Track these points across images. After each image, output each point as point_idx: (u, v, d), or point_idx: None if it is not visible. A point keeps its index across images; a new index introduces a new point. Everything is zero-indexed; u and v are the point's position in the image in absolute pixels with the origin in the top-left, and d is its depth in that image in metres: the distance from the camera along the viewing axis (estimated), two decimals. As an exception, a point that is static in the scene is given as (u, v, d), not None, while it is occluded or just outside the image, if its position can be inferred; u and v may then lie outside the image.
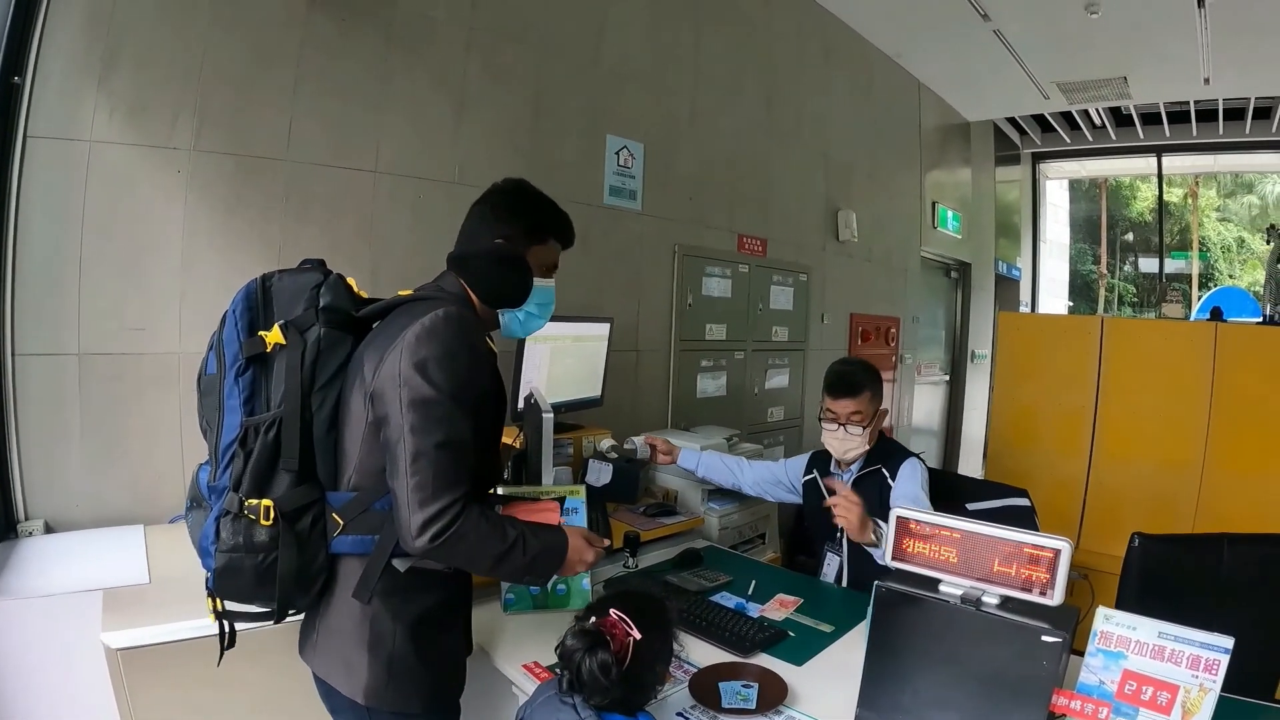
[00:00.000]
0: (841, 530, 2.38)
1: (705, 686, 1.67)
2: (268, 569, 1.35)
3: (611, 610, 1.38)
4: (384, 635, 1.44)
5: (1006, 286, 8.73)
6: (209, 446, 1.43)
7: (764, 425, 4.78)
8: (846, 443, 2.41)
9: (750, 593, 2.29)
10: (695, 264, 4.13)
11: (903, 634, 1.49)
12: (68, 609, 1.79)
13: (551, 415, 2.20)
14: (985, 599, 1.40)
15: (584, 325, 3.22)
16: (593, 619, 1.39)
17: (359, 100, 2.74)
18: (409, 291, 1.54)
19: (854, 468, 2.48)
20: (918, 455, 2.47)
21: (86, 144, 2.21)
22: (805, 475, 2.66)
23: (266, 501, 1.35)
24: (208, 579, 1.38)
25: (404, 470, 1.33)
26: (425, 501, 1.32)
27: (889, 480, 2.37)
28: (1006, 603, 1.39)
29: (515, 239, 1.59)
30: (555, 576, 1.98)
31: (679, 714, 1.59)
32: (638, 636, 1.35)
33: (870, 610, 1.53)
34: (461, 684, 1.61)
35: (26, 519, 2.16)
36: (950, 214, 6.94)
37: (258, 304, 1.44)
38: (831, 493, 2.25)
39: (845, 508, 2.13)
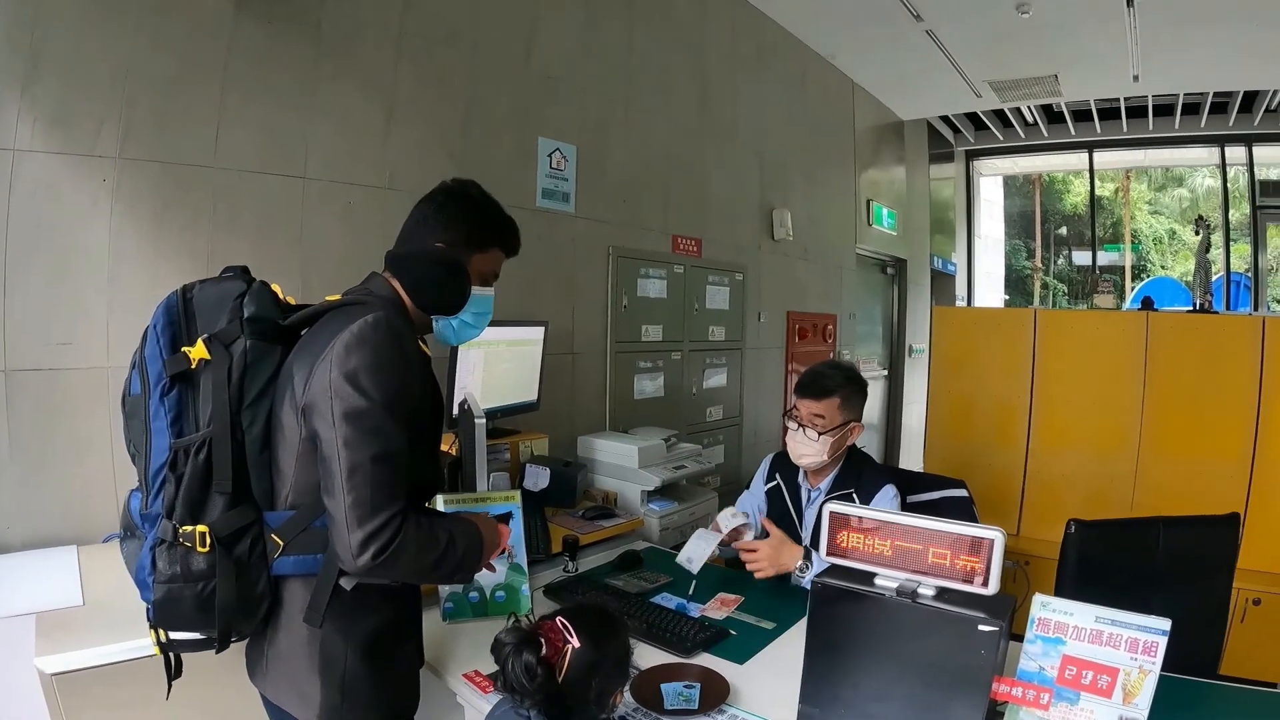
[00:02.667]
0: (812, 543, 2.34)
1: (647, 689, 1.66)
2: (208, 597, 1.31)
3: (558, 616, 1.37)
4: (335, 658, 1.40)
5: (942, 282, 8.98)
6: (138, 472, 1.38)
7: (703, 425, 4.87)
8: (801, 446, 2.34)
9: (691, 593, 2.28)
10: (630, 265, 4.19)
11: (841, 629, 1.50)
12: (1, 635, 1.75)
13: (484, 421, 2.25)
14: (921, 591, 1.42)
15: (518, 329, 3.24)
16: (541, 622, 1.38)
17: (288, 106, 2.74)
18: (336, 296, 1.49)
19: (823, 486, 2.41)
20: (893, 480, 2.40)
21: (10, 153, 2.18)
22: (768, 482, 2.59)
23: (202, 528, 1.30)
24: (148, 610, 1.34)
25: (340, 486, 1.28)
26: (364, 518, 1.27)
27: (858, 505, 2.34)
28: (943, 594, 1.41)
29: (456, 245, 1.55)
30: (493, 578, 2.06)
31: (622, 718, 1.58)
32: (575, 645, 1.33)
33: (808, 606, 1.54)
34: (416, 699, 1.59)
35: (-44, 542, 2.13)
36: (885, 211, 7.14)
37: (179, 318, 1.38)
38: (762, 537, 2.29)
39: (756, 564, 2.23)
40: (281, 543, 1.38)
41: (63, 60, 2.26)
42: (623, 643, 1.43)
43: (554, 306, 3.73)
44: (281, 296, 1.48)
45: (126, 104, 2.38)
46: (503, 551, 1.71)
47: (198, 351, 1.34)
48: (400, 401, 1.36)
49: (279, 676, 1.45)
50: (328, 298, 1.49)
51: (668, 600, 2.25)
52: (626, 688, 1.49)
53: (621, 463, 3.29)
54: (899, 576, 1.46)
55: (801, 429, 2.34)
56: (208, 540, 1.30)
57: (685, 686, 1.69)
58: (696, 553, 2.31)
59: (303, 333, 1.47)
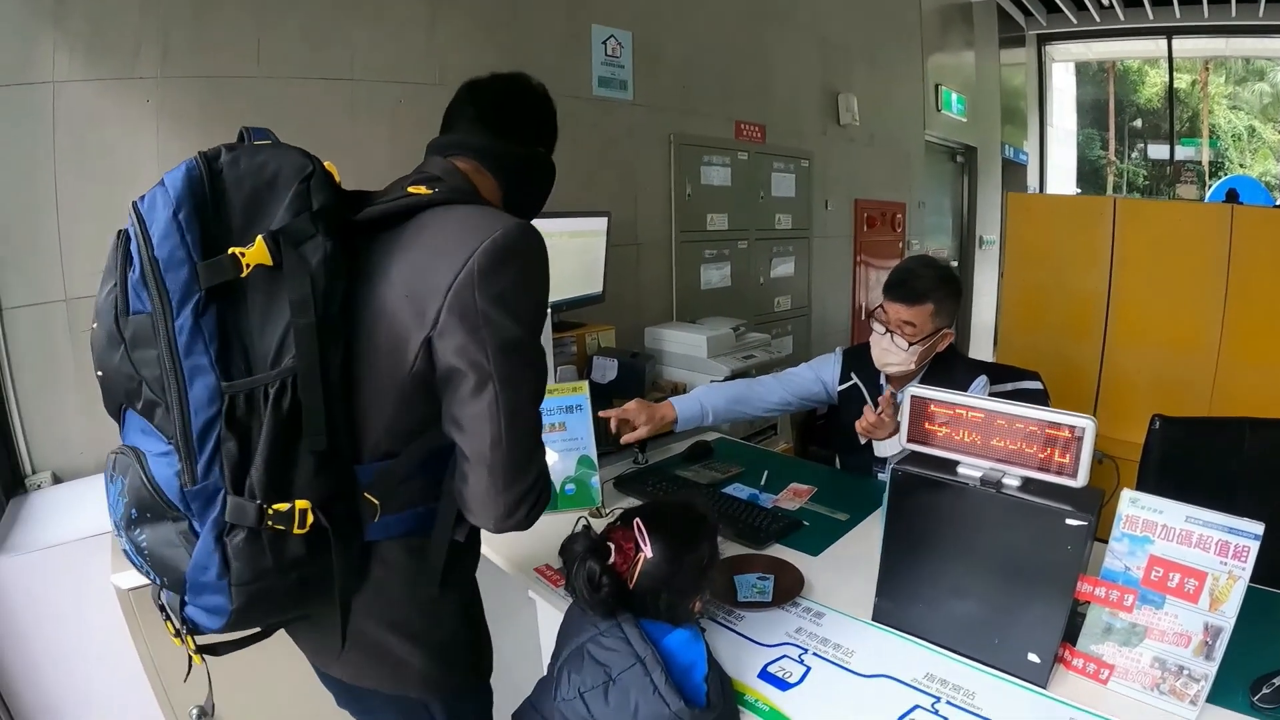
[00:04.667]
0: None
1: (720, 580, 1.50)
2: (303, 584, 0.98)
3: (636, 520, 1.19)
4: (445, 615, 1.15)
5: (1014, 172, 8.35)
6: (157, 425, 0.96)
7: (771, 315, 4.56)
8: (887, 354, 1.98)
9: (763, 483, 2.09)
10: (692, 153, 3.86)
11: (921, 519, 1.34)
12: (77, 556, 1.70)
13: (549, 313, 2.04)
14: (1006, 481, 1.25)
15: (579, 220, 2.99)
16: (618, 524, 1.22)
17: (329, 8, 2.50)
18: (422, 189, 1.07)
19: (909, 390, 2.11)
20: (985, 372, 2.05)
21: (49, 85, 2.03)
22: (843, 383, 2.20)
23: (302, 503, 0.93)
24: (190, 616, 0.97)
25: (497, 437, 0.99)
26: (521, 472, 1.02)
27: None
28: (1028, 485, 1.24)
29: (548, 151, 1.31)
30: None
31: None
32: (648, 554, 1.15)
33: (886, 495, 1.37)
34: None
35: (34, 472, 2.06)
36: (954, 97, 6.53)
37: (206, 203, 0.92)
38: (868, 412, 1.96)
39: (869, 428, 1.93)
40: (378, 502, 1.04)
41: (93, -16, 2.09)
42: (702, 554, 1.22)
43: (615, 197, 3.44)
44: (337, 178, 1.04)
45: (162, 23, 2.20)
46: None
47: (257, 253, 0.91)
48: (541, 324, 1.08)
49: (365, 654, 1.12)
50: (410, 189, 1.08)
51: (740, 491, 2.05)
52: (708, 595, 1.26)
53: (690, 353, 3.08)
54: (983, 465, 1.28)
55: (889, 334, 1.96)
56: (309, 520, 0.94)
57: (759, 578, 1.55)
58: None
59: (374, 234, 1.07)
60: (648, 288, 3.71)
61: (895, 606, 1.38)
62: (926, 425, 1.33)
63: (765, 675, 1.27)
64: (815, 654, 1.33)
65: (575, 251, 2.98)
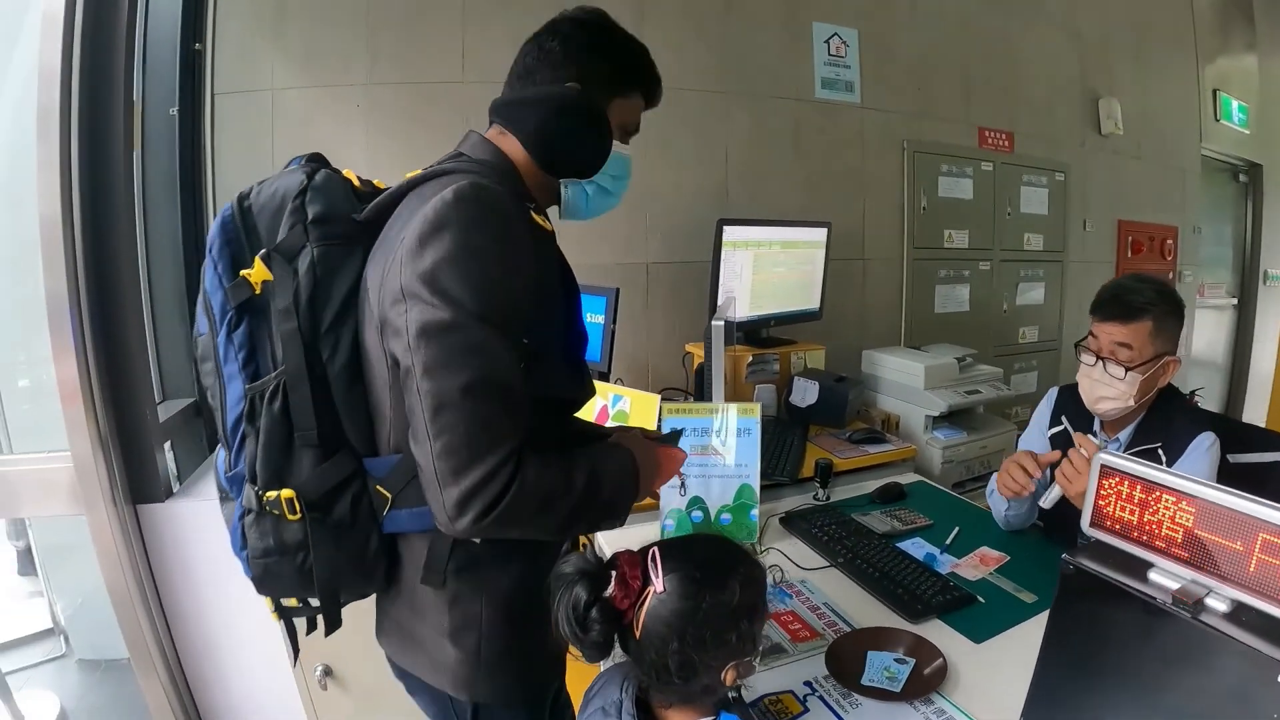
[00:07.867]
0: None
1: (849, 654, 1.25)
2: (310, 569, 0.99)
3: (652, 548, 0.91)
4: (471, 619, 1.04)
5: (1309, 197, 6.66)
6: (219, 425, 1.02)
7: (1014, 347, 3.78)
8: (1100, 387, 1.57)
9: (949, 542, 1.72)
10: (929, 161, 3.27)
11: (1089, 631, 0.97)
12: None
13: (722, 324, 1.74)
14: (1209, 602, 0.85)
15: (794, 230, 2.59)
16: (630, 552, 0.95)
17: (533, 14, 2.25)
18: (417, 171, 1.04)
19: (1121, 437, 1.64)
20: (1213, 429, 1.58)
21: (269, 93, 2.21)
22: (1053, 427, 1.79)
23: (288, 492, 0.95)
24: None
25: (424, 430, 0.89)
26: (460, 469, 0.87)
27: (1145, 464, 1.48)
28: (1239, 612, 0.83)
29: (593, 84, 1.06)
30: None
31: (805, 682, 1.22)
32: (658, 589, 0.87)
33: (1055, 590, 1.01)
34: (563, 668, 1.18)
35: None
36: (1235, 105, 5.28)
37: (238, 233, 0.99)
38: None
39: (1071, 475, 1.46)
40: (389, 495, 1.00)
41: (307, 3, 2.25)
42: (730, 597, 0.89)
43: (839, 207, 3.00)
44: (357, 183, 1.07)
45: (372, 35, 2.29)
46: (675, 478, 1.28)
47: (258, 273, 0.95)
48: (502, 304, 0.91)
49: (405, 640, 1.11)
50: (408, 174, 1.02)
51: (916, 548, 1.71)
52: (749, 663, 0.93)
53: (906, 382, 2.56)
54: (1183, 575, 0.88)
55: (1101, 363, 1.57)
56: (297, 507, 0.95)
57: (896, 660, 1.25)
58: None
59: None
60: (873, 307, 3.19)
61: (1045, 733, 1.04)
62: (1112, 508, 0.94)
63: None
64: (931, 775, 1.06)
65: (788, 263, 2.57)
